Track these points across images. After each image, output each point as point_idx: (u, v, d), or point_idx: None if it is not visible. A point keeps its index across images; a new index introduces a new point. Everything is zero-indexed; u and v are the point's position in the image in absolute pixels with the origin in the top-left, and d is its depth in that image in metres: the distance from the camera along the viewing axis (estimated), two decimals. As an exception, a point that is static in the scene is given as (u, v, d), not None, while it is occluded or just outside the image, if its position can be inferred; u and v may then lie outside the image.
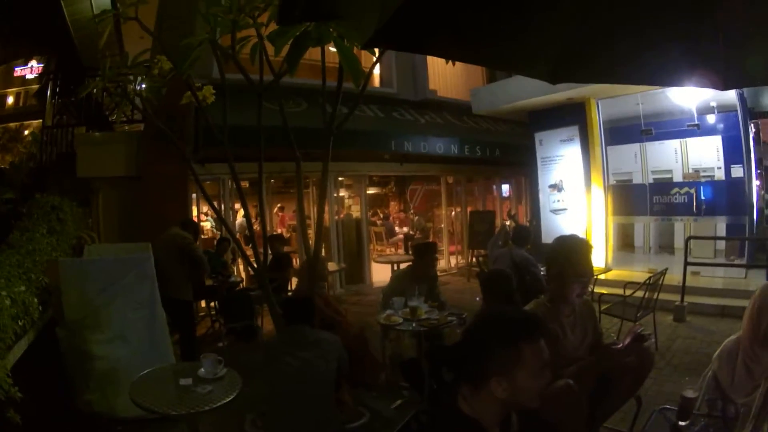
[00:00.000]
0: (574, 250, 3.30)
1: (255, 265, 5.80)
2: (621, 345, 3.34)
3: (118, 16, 5.11)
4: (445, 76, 14.10)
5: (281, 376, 3.80)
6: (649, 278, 6.69)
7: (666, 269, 7.06)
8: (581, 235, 10.22)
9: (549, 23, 1.70)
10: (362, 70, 4.61)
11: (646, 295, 6.62)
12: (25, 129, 29.20)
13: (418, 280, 6.11)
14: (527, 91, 10.17)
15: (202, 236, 11.40)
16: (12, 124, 30.87)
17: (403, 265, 8.40)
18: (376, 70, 12.73)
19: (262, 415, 3.99)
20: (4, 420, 3.70)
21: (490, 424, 1.89)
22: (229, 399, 3.62)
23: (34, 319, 4.61)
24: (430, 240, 14.96)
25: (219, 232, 10.70)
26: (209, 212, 11.57)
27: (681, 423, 2.70)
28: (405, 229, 16.58)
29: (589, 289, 7.75)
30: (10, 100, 35.14)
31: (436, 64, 13.61)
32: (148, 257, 5.51)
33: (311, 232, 7.44)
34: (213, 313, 8.15)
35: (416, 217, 16.73)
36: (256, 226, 7.69)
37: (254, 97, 5.52)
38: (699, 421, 2.80)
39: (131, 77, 5.59)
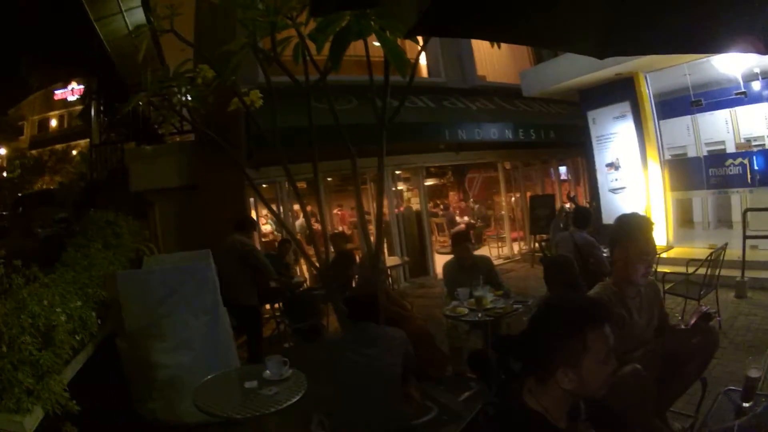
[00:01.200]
0: (636, 228, 3.28)
1: (317, 265, 5.89)
2: (687, 326, 3.35)
3: (154, 31, 5.25)
4: (492, 61, 14.13)
5: (347, 373, 3.83)
6: (711, 254, 6.60)
7: (726, 244, 6.97)
8: (641, 213, 10.16)
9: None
10: (407, 61, 4.63)
11: (709, 272, 6.51)
12: (72, 150, 30.10)
13: (468, 269, 6.16)
14: (575, 70, 10.14)
15: (263, 239, 11.62)
16: (58, 146, 31.86)
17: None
18: (423, 61, 12.87)
19: (329, 415, 3.99)
20: None
21: (557, 417, 1.89)
22: (294, 400, 3.68)
23: (93, 332, 4.73)
24: (491, 227, 14.94)
25: (280, 234, 10.79)
26: (269, 215, 11.76)
27: (745, 404, 2.64)
28: (466, 218, 16.56)
29: (653, 269, 7.69)
30: (54, 123, 36.25)
31: (482, 50, 13.65)
32: (207, 264, 5.58)
33: (372, 228, 7.51)
34: (278, 314, 8.28)
35: (476, 206, 16.77)
36: (317, 226, 7.81)
37: (303, 98, 5.59)
38: (762, 402, 2.66)
39: (175, 89, 5.69)
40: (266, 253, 8.80)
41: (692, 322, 3.29)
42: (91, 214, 7.54)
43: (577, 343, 1.81)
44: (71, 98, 34.37)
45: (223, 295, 5.64)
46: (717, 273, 6.62)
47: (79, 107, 31.00)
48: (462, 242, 6.46)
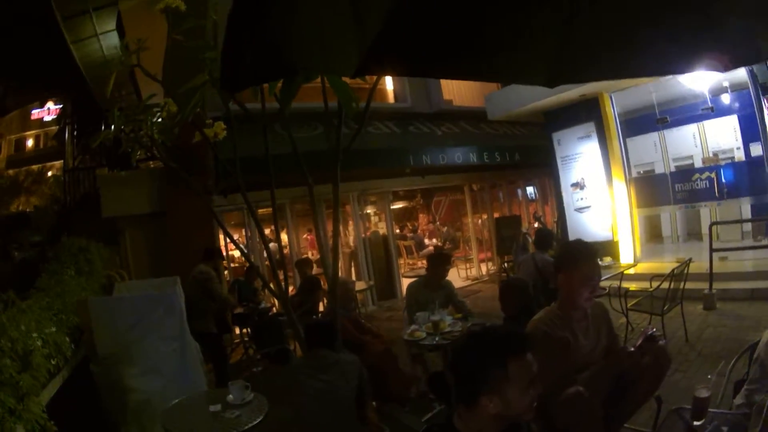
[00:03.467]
0: (579, 254, 3.36)
1: (280, 291, 6.10)
2: (633, 347, 3.35)
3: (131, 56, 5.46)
4: (458, 85, 14.39)
5: (304, 398, 3.92)
6: (673, 269, 6.73)
7: (690, 259, 7.10)
8: (607, 231, 10.43)
9: (538, 30, 1.69)
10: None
11: (672, 286, 6.63)
12: (48, 170, 30.00)
13: (432, 291, 6.26)
14: (540, 92, 10.30)
15: (233, 264, 11.84)
16: (34, 167, 31.77)
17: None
18: (390, 86, 13.10)
19: None
20: None
21: None
22: (255, 422, 3.83)
23: (67, 357, 4.90)
24: (459, 249, 15.15)
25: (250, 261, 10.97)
26: (240, 240, 11.97)
27: (696, 423, 2.71)
28: (435, 240, 16.79)
29: (615, 285, 7.92)
30: (30, 143, 36.10)
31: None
32: (175, 291, 5.76)
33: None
34: (246, 339, 8.48)
35: (445, 228, 16.98)
36: (287, 251, 7.96)
37: (268, 127, 5.82)
38: (713, 420, 2.75)
39: (142, 122, 5.90)
40: (236, 279, 9.02)
41: (638, 343, 3.29)
42: (64, 241, 7.71)
43: (498, 373, 1.92)
44: (47, 118, 34.33)
45: (190, 324, 5.84)
46: (681, 287, 6.77)
47: (54, 128, 31.05)
48: (442, 264, 6.55)
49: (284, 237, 11.12)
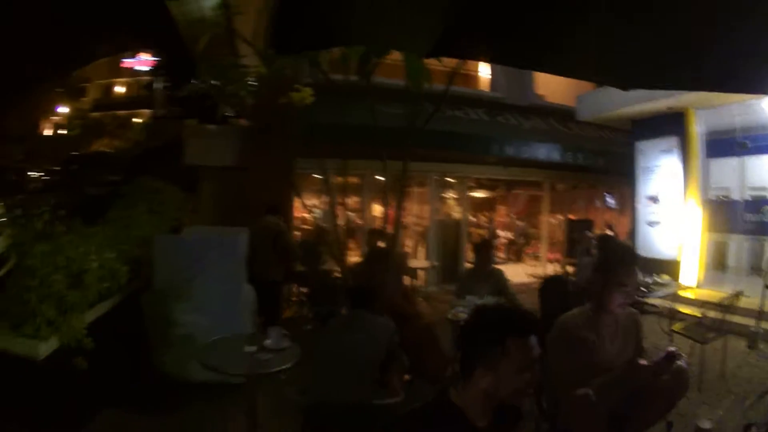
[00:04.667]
0: (617, 257, 3.55)
1: (341, 257, 6.36)
2: (652, 362, 3.28)
3: (226, 19, 5.80)
4: (551, 81, 14.25)
5: (332, 353, 4.10)
6: (722, 300, 6.63)
7: (741, 292, 6.90)
8: (673, 249, 10.30)
9: (620, 32, 1.70)
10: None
11: (722, 317, 6.46)
12: (134, 117, 31.25)
13: (482, 278, 6.34)
14: (629, 98, 10.12)
15: (304, 226, 12.23)
16: (121, 112, 33.15)
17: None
18: (487, 74, 13.26)
19: (303, 392, 4.19)
20: (72, 364, 4.46)
21: (476, 415, 2.05)
22: (283, 367, 4.04)
23: (121, 284, 5.34)
24: (530, 246, 15.20)
25: (320, 224, 11.28)
26: (319, 204, 12.29)
27: None
28: (509, 233, 16.86)
29: (668, 305, 7.88)
30: (119, 89, 37.68)
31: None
32: (238, 237, 6.08)
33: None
34: (303, 299, 8.84)
35: (521, 223, 17.02)
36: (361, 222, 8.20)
37: (354, 98, 6.13)
38: None
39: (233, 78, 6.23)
40: (303, 239, 9.42)
41: (658, 359, 3.25)
42: (140, 181, 8.16)
43: (496, 349, 1.99)
44: (139, 68, 35.66)
45: (252, 271, 6.22)
46: (729, 319, 6.51)
47: (146, 78, 32.27)
48: (484, 250, 6.67)
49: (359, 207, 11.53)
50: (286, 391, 4.27)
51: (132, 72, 36.42)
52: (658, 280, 8.06)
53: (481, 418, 2.06)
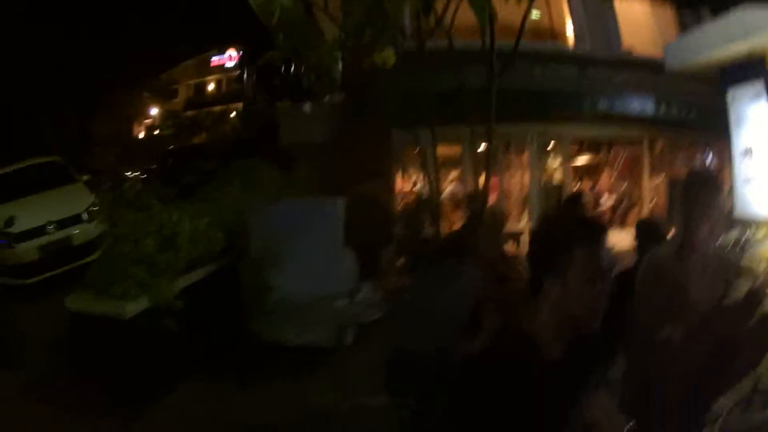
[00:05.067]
0: (700, 184, 3.12)
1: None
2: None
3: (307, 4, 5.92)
4: (637, 33, 13.98)
5: (417, 306, 4.08)
6: None
7: None
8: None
9: None
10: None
11: None
12: (230, 112, 32.21)
13: None
14: (709, 42, 9.84)
15: (406, 197, 12.11)
16: (215, 108, 34.31)
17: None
18: (569, 30, 13.18)
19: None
20: (161, 325, 4.67)
21: (548, 344, 1.90)
22: (367, 319, 4.29)
23: (216, 250, 5.54)
24: (635, 209, 14.82)
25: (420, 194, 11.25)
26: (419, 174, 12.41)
27: None
28: (614, 196, 15.99)
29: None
30: (211, 86, 39.11)
31: (627, 20, 13.68)
32: (335, 203, 6.16)
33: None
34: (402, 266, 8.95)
35: (625, 185, 16.47)
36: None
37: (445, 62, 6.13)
38: None
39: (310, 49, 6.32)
40: (405, 208, 9.57)
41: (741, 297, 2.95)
42: (235, 163, 8.44)
43: (563, 257, 1.87)
44: (229, 64, 36.79)
45: (351, 237, 6.28)
46: None
47: (236, 72, 33.36)
48: (572, 205, 6.45)
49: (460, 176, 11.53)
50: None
51: (222, 69, 37.66)
52: (755, 232, 7.68)
53: (555, 347, 1.90)
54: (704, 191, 3.04)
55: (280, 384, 5.08)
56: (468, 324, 3.88)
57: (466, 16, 5.95)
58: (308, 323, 4.50)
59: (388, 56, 6.24)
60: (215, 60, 37.85)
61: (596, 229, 1.98)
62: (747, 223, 7.90)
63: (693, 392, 2.88)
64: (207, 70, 38.45)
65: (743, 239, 7.28)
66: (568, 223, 2.01)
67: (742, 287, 3.07)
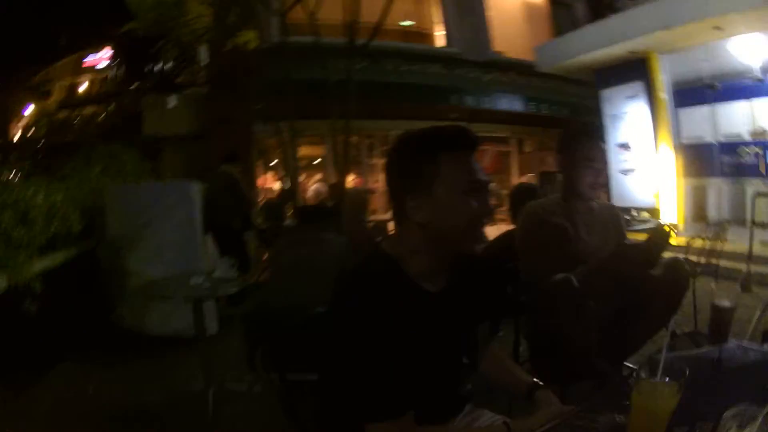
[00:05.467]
0: (578, 132, 3.09)
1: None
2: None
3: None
4: (510, 35, 14.43)
5: (281, 269, 4.04)
6: (709, 225, 6.67)
7: (728, 221, 7.04)
8: (650, 197, 10.26)
9: None
10: None
11: (708, 248, 5.85)
12: (102, 110, 31.03)
13: None
14: (587, 45, 10.43)
15: (269, 197, 12.04)
16: (88, 108, 32.91)
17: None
18: (440, 31, 13.36)
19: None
20: (20, 309, 4.50)
21: (418, 271, 1.61)
22: (224, 292, 4.17)
23: (73, 231, 5.26)
24: (503, 207, 15.07)
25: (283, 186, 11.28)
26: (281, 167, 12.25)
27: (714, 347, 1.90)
28: None
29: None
30: (84, 86, 37.43)
31: (500, 23, 14.11)
32: (188, 185, 6.06)
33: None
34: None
35: (492, 184, 16.68)
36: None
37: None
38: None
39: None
40: (268, 199, 9.30)
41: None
42: (98, 148, 8.02)
43: (427, 168, 1.58)
44: (102, 64, 35.41)
45: (210, 220, 6.23)
46: (717, 249, 5.99)
47: (109, 71, 32.08)
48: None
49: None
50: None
51: (96, 69, 36.14)
52: (637, 216, 7.96)
53: (428, 277, 1.62)
54: (583, 142, 2.94)
55: (148, 369, 4.90)
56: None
57: (334, 11, 5.83)
58: (170, 312, 4.56)
59: (250, 38, 6.10)
60: (89, 60, 36.31)
61: (465, 133, 1.67)
62: (626, 209, 8.21)
63: (602, 346, 2.64)
64: (81, 69, 36.85)
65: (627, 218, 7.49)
66: (426, 130, 1.68)
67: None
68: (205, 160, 9.44)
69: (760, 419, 1.12)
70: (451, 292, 1.67)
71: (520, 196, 4.75)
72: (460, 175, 1.58)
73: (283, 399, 2.28)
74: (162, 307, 5.01)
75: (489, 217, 1.66)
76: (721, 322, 2.06)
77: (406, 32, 13.12)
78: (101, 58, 35.18)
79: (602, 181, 3.08)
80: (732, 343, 1.93)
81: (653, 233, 2.72)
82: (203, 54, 7.45)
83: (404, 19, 13.16)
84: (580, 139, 2.98)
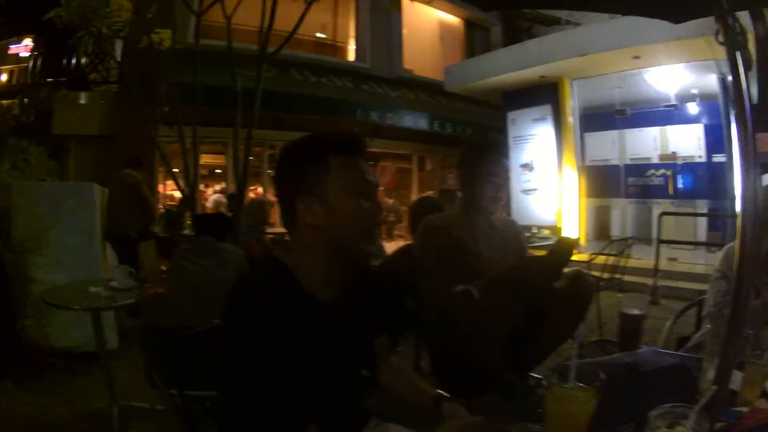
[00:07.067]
0: (478, 148, 3.15)
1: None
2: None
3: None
4: (422, 54, 14.82)
5: (178, 281, 4.10)
6: (612, 240, 6.77)
7: (632, 237, 7.31)
8: (552, 216, 10.52)
9: None
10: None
11: (610, 263, 6.34)
12: (18, 102, 29.96)
13: None
14: (500, 68, 10.64)
15: (171, 202, 11.79)
16: (5, 102, 31.73)
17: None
18: (351, 45, 13.65)
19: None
20: None
21: (313, 280, 1.60)
22: (125, 303, 4.12)
23: None
24: (402, 223, 15.20)
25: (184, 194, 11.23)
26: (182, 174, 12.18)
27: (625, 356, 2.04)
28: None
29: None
30: (4, 77, 36.05)
31: (413, 43, 14.47)
32: (92, 187, 5.96)
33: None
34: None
35: (390, 199, 16.43)
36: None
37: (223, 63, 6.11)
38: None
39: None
40: (167, 209, 9.33)
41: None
42: (10, 143, 8.03)
43: (316, 168, 1.60)
44: (23, 54, 34.22)
45: (109, 226, 6.23)
46: (621, 264, 6.46)
47: (28, 62, 31.04)
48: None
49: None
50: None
51: (17, 59, 34.90)
52: (538, 233, 8.32)
53: (323, 286, 1.62)
54: (485, 156, 3.02)
55: (52, 383, 4.79)
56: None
57: (251, 17, 5.97)
58: (71, 323, 4.45)
59: (165, 36, 6.15)
60: (12, 48, 35.02)
61: (354, 139, 1.71)
62: (527, 227, 8.43)
63: (507, 357, 2.64)
64: (4, 59, 35.51)
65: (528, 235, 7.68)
66: (314, 136, 1.71)
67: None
68: (111, 162, 9.41)
69: (693, 417, 1.14)
70: (347, 302, 1.67)
71: (423, 208, 4.60)
72: (350, 175, 1.60)
73: (185, 416, 2.35)
74: (64, 317, 4.87)
75: (379, 218, 1.71)
76: (631, 329, 2.24)
77: (319, 44, 13.34)
78: (24, 47, 34.05)
79: (502, 196, 3.12)
80: (645, 349, 2.09)
81: (555, 245, 2.80)
82: (118, 50, 7.45)
83: (320, 31, 13.43)
84: (481, 153, 3.05)
